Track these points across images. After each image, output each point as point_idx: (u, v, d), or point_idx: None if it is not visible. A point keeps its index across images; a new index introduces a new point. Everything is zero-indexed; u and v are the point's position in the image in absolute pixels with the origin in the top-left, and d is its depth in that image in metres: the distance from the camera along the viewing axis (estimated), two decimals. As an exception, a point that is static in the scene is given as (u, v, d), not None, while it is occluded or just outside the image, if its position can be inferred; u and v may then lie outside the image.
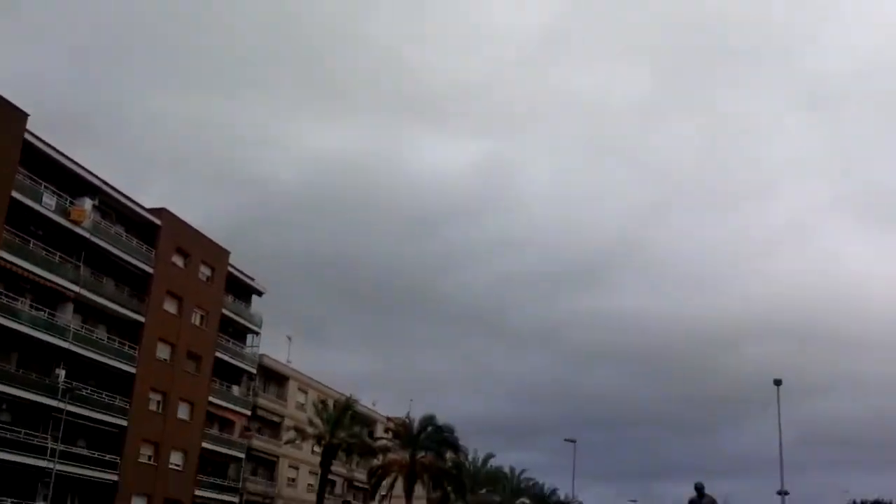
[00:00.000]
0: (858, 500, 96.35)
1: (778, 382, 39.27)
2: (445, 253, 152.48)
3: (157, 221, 48.84)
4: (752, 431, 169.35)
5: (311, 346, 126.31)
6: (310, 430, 56.44)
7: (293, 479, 65.74)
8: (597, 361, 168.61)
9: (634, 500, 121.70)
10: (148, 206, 48.77)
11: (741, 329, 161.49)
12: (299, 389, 66.32)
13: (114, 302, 45.66)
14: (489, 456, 78.77)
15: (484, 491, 76.43)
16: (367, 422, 73.53)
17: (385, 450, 63.74)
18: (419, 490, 67.86)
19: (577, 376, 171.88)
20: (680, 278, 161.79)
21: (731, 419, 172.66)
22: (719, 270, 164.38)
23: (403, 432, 63.92)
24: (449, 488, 65.29)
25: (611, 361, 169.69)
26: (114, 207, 46.32)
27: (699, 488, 21.31)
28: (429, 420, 63.24)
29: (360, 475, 71.19)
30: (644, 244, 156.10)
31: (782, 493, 39.71)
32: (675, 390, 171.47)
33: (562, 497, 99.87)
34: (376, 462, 64.27)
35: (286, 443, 59.73)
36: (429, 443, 62.84)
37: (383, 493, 65.26)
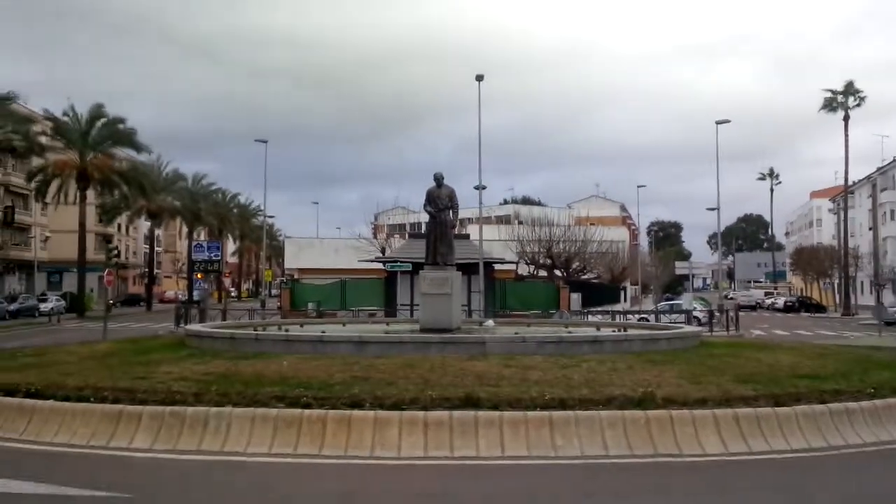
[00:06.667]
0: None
1: (480, 78, 38.50)
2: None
3: None
4: (415, 144, 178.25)
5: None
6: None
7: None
8: (271, 77, 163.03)
9: (316, 202, 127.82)
10: None
11: (402, 49, 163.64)
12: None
13: None
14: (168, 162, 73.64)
15: (161, 196, 71.04)
16: (22, 120, 64.02)
17: (49, 149, 55.90)
18: (92, 196, 62.08)
19: (251, 91, 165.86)
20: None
21: (392, 134, 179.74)
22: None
23: (70, 128, 56.17)
24: (126, 190, 60.06)
25: (285, 77, 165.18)
26: None
27: (438, 178, 20.05)
28: (98, 110, 56.08)
29: (19, 179, 63.50)
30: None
31: (480, 187, 41.01)
32: (345, 105, 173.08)
33: (243, 201, 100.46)
34: (42, 163, 56.79)
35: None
36: (101, 139, 56.40)
37: (47, 200, 58.88)
